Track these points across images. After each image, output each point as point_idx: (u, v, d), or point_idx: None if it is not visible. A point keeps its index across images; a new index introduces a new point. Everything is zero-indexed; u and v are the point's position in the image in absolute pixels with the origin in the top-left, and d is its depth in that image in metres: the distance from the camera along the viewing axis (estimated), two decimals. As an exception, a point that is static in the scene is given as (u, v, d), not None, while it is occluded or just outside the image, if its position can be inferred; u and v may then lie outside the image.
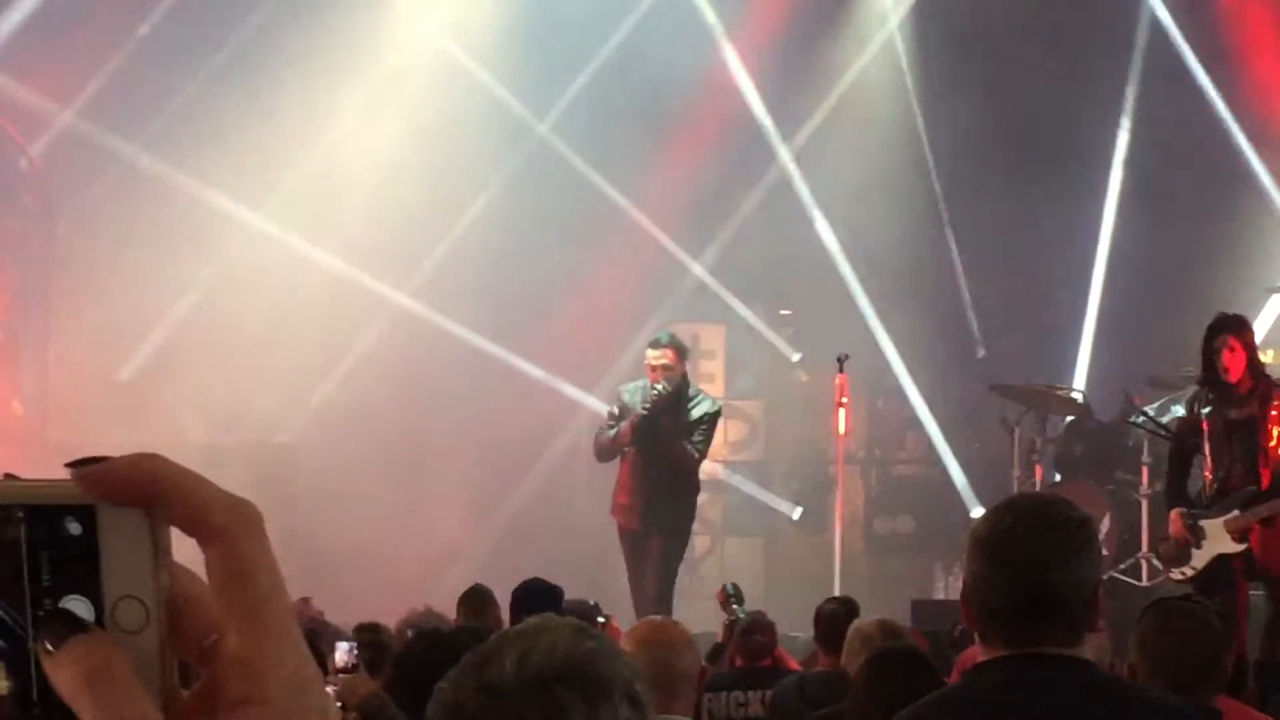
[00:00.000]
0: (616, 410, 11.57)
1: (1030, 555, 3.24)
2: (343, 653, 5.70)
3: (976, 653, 6.23)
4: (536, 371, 16.02)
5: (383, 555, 14.34)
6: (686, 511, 11.62)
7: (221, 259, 15.32)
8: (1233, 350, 9.41)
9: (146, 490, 0.83)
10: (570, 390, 16.15)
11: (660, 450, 11.30)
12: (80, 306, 14.94)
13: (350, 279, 15.49)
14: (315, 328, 15.13)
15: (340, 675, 5.74)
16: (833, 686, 7.07)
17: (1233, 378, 9.39)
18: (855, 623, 7.38)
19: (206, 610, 0.85)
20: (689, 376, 11.63)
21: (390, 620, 8.50)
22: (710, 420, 11.49)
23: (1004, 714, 3.21)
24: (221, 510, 0.84)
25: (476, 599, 8.85)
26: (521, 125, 16.22)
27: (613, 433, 11.46)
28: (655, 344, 11.47)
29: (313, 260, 15.41)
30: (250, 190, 15.29)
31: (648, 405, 11.21)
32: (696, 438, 11.40)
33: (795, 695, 7.37)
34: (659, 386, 11.23)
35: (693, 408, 11.43)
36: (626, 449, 11.41)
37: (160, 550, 0.84)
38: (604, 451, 11.63)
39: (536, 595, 7.80)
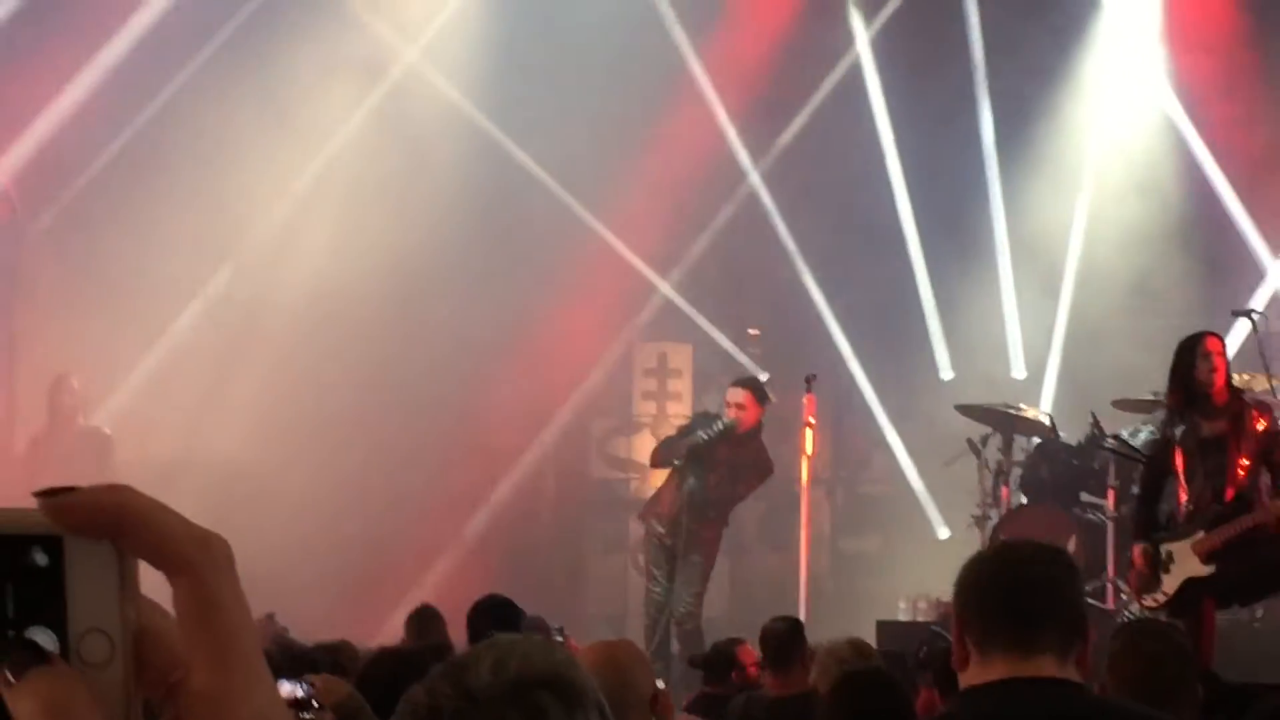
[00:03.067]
0: (685, 424, 12.66)
1: (1031, 575, 3.35)
2: (286, 691, 5.36)
3: (934, 696, 6.28)
4: (506, 388, 15.95)
5: (348, 572, 14.30)
6: (711, 539, 12.24)
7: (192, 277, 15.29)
8: (1216, 361, 9.25)
9: (114, 522, 0.82)
10: (538, 407, 16.10)
11: (702, 478, 12.03)
12: (45, 319, 14.87)
13: (317, 305, 15.36)
14: (282, 350, 15.09)
15: (319, 676, 5.59)
16: (779, 711, 7.02)
17: (1215, 389, 9.19)
18: (827, 643, 7.36)
19: (173, 645, 0.83)
20: (760, 425, 12.29)
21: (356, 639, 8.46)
22: (757, 473, 12.31)
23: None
24: (190, 544, 0.83)
25: (424, 619, 8.93)
26: (489, 142, 16.17)
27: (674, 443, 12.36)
28: (735, 383, 12.55)
29: (279, 282, 15.36)
30: (217, 200, 15.25)
31: (708, 433, 12.02)
32: (741, 487, 12.29)
33: (740, 716, 7.31)
34: (725, 422, 12.02)
35: (750, 458, 12.16)
36: (677, 462, 12.13)
37: (127, 583, 0.83)
38: (658, 457, 12.51)
39: (495, 611, 7.81)
